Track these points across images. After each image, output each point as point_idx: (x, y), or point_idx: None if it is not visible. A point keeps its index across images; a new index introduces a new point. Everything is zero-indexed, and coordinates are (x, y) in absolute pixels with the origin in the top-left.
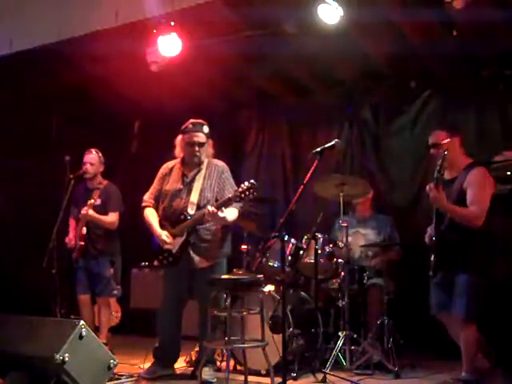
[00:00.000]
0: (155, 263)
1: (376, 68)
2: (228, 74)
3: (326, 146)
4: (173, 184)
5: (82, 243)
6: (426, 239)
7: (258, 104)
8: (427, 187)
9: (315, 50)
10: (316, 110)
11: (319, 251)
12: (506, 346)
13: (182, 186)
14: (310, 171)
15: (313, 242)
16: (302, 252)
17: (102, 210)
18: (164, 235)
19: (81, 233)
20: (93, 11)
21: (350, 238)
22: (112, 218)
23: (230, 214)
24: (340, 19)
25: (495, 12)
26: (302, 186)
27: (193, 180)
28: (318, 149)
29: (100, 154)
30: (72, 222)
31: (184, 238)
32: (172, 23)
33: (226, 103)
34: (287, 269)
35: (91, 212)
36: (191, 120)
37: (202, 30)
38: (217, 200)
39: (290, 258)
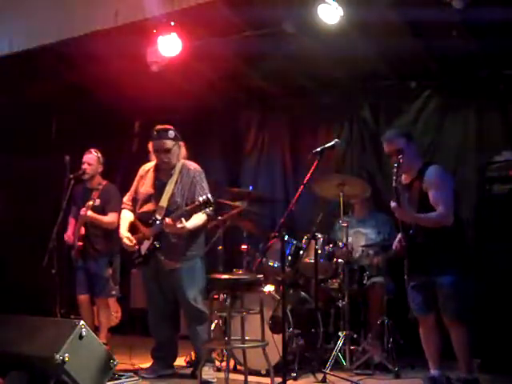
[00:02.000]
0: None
1: (376, 68)
2: (228, 73)
3: (326, 145)
4: (146, 187)
5: (80, 243)
6: (394, 246)
7: (258, 104)
8: (391, 204)
9: (315, 49)
10: (316, 110)
11: (319, 251)
12: (498, 349)
13: (153, 191)
14: (310, 171)
15: (313, 241)
16: (301, 252)
17: (101, 210)
18: (125, 238)
19: (79, 233)
20: (93, 11)
21: (350, 238)
22: (111, 218)
23: (194, 221)
24: (340, 19)
25: (495, 12)
26: (301, 186)
27: (164, 184)
28: (318, 149)
29: (99, 155)
30: (72, 221)
31: (150, 241)
32: (172, 23)
33: (226, 103)
34: (287, 269)
35: (90, 213)
36: (157, 127)
37: (202, 30)
38: (187, 204)
39: (289, 258)
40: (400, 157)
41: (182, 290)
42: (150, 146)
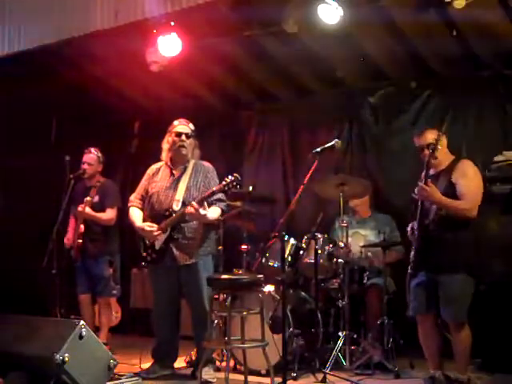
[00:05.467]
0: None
1: (376, 68)
2: (228, 73)
3: (326, 146)
4: (161, 183)
5: (80, 241)
6: (409, 233)
7: (258, 104)
8: (418, 188)
9: (315, 49)
10: (316, 110)
11: (319, 251)
12: (498, 349)
13: (168, 184)
14: (310, 171)
15: (313, 241)
16: (302, 252)
17: (100, 206)
18: (146, 225)
19: (79, 231)
20: (93, 11)
21: (349, 239)
22: (109, 214)
23: (212, 212)
24: (340, 19)
25: (495, 12)
26: (301, 186)
27: (179, 178)
28: (318, 149)
29: (99, 154)
30: (72, 221)
31: (167, 233)
32: (172, 23)
33: (226, 103)
34: (287, 269)
35: (88, 210)
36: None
37: (201, 29)
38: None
39: (289, 258)
40: (430, 152)
41: (199, 286)
42: (168, 135)
